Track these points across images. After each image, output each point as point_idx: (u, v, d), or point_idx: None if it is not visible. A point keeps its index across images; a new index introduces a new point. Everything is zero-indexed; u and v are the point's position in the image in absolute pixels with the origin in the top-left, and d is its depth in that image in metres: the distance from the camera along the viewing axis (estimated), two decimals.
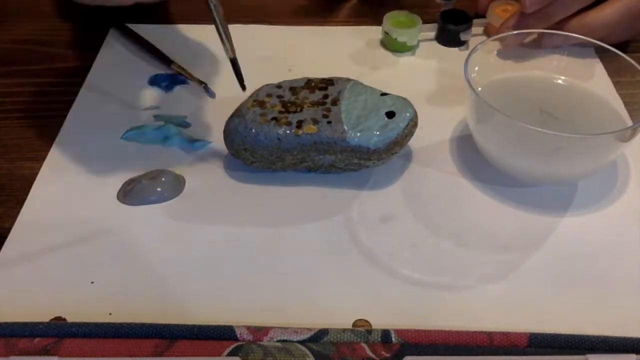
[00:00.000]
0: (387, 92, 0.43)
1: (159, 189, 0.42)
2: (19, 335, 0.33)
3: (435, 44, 0.56)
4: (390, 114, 0.41)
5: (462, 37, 0.55)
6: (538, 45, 0.48)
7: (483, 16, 0.57)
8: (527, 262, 0.39)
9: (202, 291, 0.37)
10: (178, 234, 0.40)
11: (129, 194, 0.42)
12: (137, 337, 0.33)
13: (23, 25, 0.59)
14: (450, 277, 0.38)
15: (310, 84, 0.44)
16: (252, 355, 0.32)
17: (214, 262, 0.38)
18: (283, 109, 0.42)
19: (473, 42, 0.56)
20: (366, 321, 0.35)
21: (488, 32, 0.57)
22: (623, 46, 0.55)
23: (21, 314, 0.35)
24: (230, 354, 0.32)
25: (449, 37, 0.55)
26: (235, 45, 0.57)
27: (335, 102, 0.42)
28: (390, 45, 0.55)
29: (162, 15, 0.60)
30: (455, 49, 0.56)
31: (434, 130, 0.47)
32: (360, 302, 0.36)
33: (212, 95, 0.50)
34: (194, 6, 0.61)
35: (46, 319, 0.35)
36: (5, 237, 0.39)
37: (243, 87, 0.44)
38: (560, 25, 0.50)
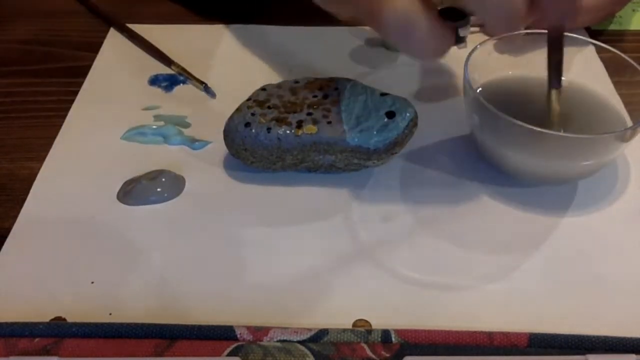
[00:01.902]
0: (387, 92, 0.43)
1: (159, 189, 0.42)
2: (19, 335, 0.33)
3: None
4: (390, 114, 0.41)
5: (461, 32, 0.54)
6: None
7: None
8: (527, 262, 0.39)
9: (202, 291, 0.37)
10: (178, 234, 0.40)
11: (129, 194, 0.42)
12: (137, 337, 0.33)
13: (23, 25, 0.59)
14: (450, 277, 0.38)
15: (310, 84, 0.44)
16: (252, 355, 0.32)
17: (214, 262, 0.38)
18: (283, 109, 0.42)
19: (472, 39, 0.55)
20: (366, 321, 0.35)
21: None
22: (623, 46, 0.55)
23: (21, 314, 0.35)
24: (230, 354, 0.32)
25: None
26: (235, 45, 0.57)
27: (335, 102, 0.42)
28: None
29: (162, 15, 0.60)
30: (453, 48, 0.55)
31: (434, 130, 0.47)
32: (360, 302, 0.36)
33: (212, 95, 0.50)
34: (195, 6, 0.61)
35: (46, 319, 0.35)
36: (5, 237, 0.39)
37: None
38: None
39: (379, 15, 0.34)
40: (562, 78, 0.42)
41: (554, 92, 0.41)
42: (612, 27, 0.58)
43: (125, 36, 0.56)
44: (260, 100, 0.43)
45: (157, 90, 0.51)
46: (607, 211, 0.42)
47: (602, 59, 0.49)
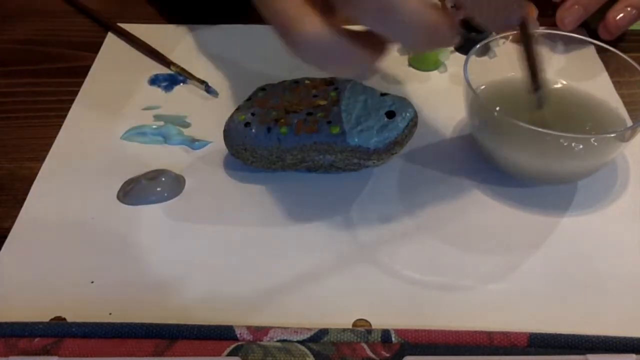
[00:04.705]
0: (387, 92, 0.43)
1: (159, 189, 0.42)
2: (19, 335, 0.33)
3: None
4: (390, 114, 0.41)
5: (493, 45, 0.51)
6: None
7: None
8: (527, 262, 0.39)
9: (202, 291, 0.37)
10: (178, 234, 0.40)
11: (129, 194, 0.42)
12: (137, 337, 0.33)
13: (23, 25, 0.59)
14: (450, 277, 0.38)
15: (310, 84, 0.44)
16: (252, 355, 0.32)
17: (214, 262, 0.38)
18: (283, 109, 0.42)
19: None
20: (366, 321, 0.35)
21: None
22: (623, 46, 0.55)
23: (21, 314, 0.34)
24: (230, 354, 0.32)
25: (474, 46, 0.52)
26: (235, 45, 0.57)
27: (335, 102, 0.42)
28: (419, 64, 0.54)
29: (163, 15, 0.60)
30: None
31: (434, 130, 0.47)
32: (360, 302, 0.36)
33: (214, 94, 0.50)
34: (195, 6, 0.61)
35: (46, 319, 0.35)
36: (5, 237, 0.39)
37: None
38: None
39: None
40: (543, 79, 0.39)
41: (536, 96, 0.39)
42: None
43: (125, 37, 0.56)
44: (260, 100, 0.43)
45: (157, 90, 0.51)
46: (607, 211, 0.42)
47: (602, 59, 0.49)
